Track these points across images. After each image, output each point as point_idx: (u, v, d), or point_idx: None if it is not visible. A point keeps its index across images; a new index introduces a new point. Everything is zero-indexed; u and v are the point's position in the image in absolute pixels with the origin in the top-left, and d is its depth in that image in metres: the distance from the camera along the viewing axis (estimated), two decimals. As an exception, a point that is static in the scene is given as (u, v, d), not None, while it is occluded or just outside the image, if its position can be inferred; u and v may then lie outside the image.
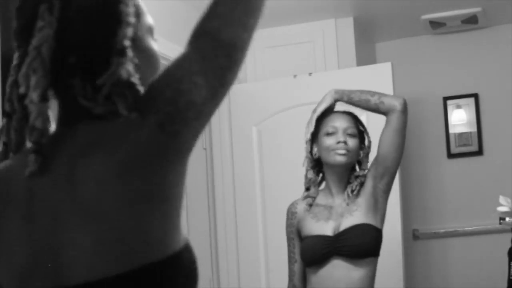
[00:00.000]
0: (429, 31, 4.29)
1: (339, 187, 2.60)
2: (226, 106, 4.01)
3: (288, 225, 2.64)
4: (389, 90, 3.75)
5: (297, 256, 2.60)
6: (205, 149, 4.13)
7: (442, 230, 4.31)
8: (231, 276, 3.91)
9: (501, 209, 2.80)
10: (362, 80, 3.80)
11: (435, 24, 4.17)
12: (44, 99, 1.04)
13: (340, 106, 2.72)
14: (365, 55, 4.24)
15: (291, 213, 2.64)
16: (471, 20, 4.11)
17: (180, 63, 1.03)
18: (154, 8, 3.63)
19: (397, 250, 3.59)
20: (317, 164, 2.64)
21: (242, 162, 3.94)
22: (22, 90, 1.03)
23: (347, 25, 4.04)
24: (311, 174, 2.63)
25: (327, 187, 2.63)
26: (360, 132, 2.64)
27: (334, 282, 2.46)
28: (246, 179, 3.91)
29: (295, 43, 4.08)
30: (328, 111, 2.64)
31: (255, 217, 3.87)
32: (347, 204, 2.56)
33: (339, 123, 2.57)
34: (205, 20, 1.03)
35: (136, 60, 1.06)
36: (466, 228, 4.25)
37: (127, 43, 1.04)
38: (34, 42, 1.03)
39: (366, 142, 2.66)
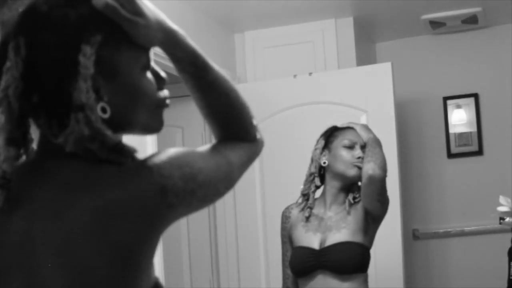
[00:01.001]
0: (429, 31, 4.29)
1: (335, 199, 2.62)
2: (226, 106, 4.01)
3: (282, 229, 2.69)
4: (389, 90, 3.75)
5: (287, 261, 2.65)
6: (205, 149, 4.14)
7: (442, 230, 4.31)
8: (231, 276, 3.91)
9: (501, 209, 2.80)
10: (362, 80, 3.81)
11: (435, 24, 4.17)
12: (10, 143, 1.00)
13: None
14: (365, 55, 4.24)
15: (285, 217, 2.69)
16: (471, 20, 4.11)
17: (204, 158, 1.09)
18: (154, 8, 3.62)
19: (397, 250, 3.59)
20: (320, 171, 2.66)
21: (242, 162, 3.93)
22: None
23: (347, 25, 4.04)
24: (318, 182, 2.65)
25: (323, 197, 2.66)
26: None
27: None
28: (246, 179, 3.87)
29: (295, 43, 4.08)
30: (340, 127, 2.70)
31: (255, 217, 3.87)
32: (338, 216, 2.58)
33: (356, 138, 2.62)
34: (229, 150, 1.14)
35: (105, 105, 1.00)
36: (466, 228, 4.25)
37: (86, 98, 0.97)
38: (2, 83, 1.00)
39: None
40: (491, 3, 3.91)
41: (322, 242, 2.56)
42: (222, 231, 3.97)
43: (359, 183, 2.59)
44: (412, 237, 4.33)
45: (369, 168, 2.50)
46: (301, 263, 2.54)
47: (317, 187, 2.67)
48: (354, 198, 2.61)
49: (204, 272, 4.05)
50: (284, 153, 3.77)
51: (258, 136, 1.20)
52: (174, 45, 1.16)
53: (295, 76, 3.91)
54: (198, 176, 1.03)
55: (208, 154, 1.10)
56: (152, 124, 1.09)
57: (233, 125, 1.15)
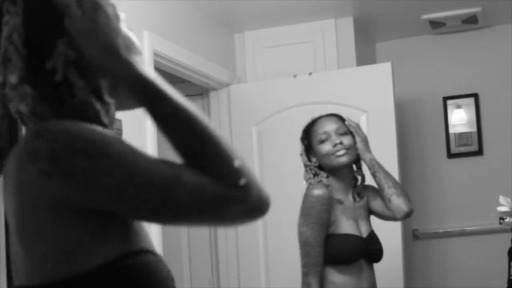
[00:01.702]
0: (429, 31, 4.29)
1: (344, 188, 2.62)
2: (226, 106, 4.02)
3: (325, 211, 2.47)
4: (389, 90, 3.75)
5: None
6: (205, 149, 4.14)
7: (442, 230, 4.31)
8: (231, 276, 3.91)
9: (501, 209, 2.80)
10: (362, 80, 3.81)
11: (435, 24, 4.17)
12: (23, 81, 1.04)
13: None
14: (365, 55, 4.24)
15: (328, 198, 2.50)
16: (471, 20, 4.11)
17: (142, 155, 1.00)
18: (154, 8, 3.64)
19: (397, 250, 3.59)
20: (320, 169, 2.65)
21: (242, 162, 3.93)
22: (0, 79, 1.05)
23: (347, 25, 4.04)
24: (324, 175, 2.60)
25: (336, 185, 2.63)
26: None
27: (361, 281, 2.51)
28: (246, 179, 3.90)
29: (295, 43, 4.08)
30: (315, 119, 2.66)
31: (255, 217, 3.87)
32: (356, 206, 2.60)
33: (329, 127, 2.59)
34: (188, 169, 0.99)
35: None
36: (466, 228, 4.25)
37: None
38: (4, 33, 1.05)
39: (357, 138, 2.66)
40: (491, 3, 3.91)
41: (359, 230, 2.56)
42: (222, 231, 3.97)
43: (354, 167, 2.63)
44: (412, 237, 4.33)
45: (402, 204, 2.54)
46: (353, 251, 2.50)
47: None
48: (358, 193, 2.62)
49: (204, 272, 4.05)
50: (284, 153, 3.77)
51: (243, 182, 0.99)
52: (108, 59, 1.01)
53: (295, 76, 3.91)
54: (108, 161, 0.96)
55: (157, 158, 1.00)
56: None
57: (204, 164, 0.99)
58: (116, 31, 1.01)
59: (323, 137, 2.57)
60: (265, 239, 3.83)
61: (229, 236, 3.94)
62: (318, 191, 2.50)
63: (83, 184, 0.96)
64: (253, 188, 1.00)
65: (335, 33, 4.04)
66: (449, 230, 4.30)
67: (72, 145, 0.96)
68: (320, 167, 2.63)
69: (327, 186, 2.54)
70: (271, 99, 3.91)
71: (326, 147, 2.56)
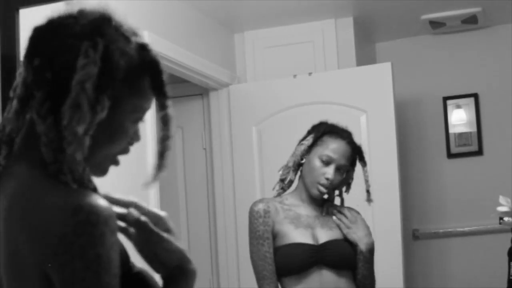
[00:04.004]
0: (429, 31, 4.29)
1: (310, 200, 2.55)
2: (226, 106, 4.02)
3: (262, 223, 2.47)
4: (389, 90, 3.75)
5: (273, 257, 2.47)
6: (205, 149, 4.13)
7: (442, 230, 4.31)
8: (231, 276, 3.91)
9: (501, 209, 2.80)
10: (362, 80, 3.81)
11: (435, 24, 4.17)
12: (86, 133, 1.06)
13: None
14: (365, 55, 4.24)
15: (264, 211, 2.49)
16: (471, 20, 4.11)
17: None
18: (154, 8, 3.64)
19: (397, 250, 3.59)
20: (297, 167, 2.58)
21: (242, 162, 3.94)
22: (65, 121, 1.05)
23: (347, 25, 4.04)
24: (292, 176, 2.55)
25: (298, 192, 2.57)
26: (352, 163, 2.55)
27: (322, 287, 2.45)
28: (246, 179, 3.91)
29: (295, 43, 4.08)
30: (335, 130, 2.53)
31: (255, 217, 3.87)
32: (318, 216, 2.54)
33: (337, 155, 2.47)
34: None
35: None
36: (466, 228, 4.25)
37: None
38: (78, 77, 1.05)
39: (350, 180, 2.57)
40: (491, 3, 3.91)
41: (314, 238, 2.49)
42: (222, 231, 3.97)
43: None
44: (412, 237, 4.32)
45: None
46: (302, 259, 2.43)
47: (291, 181, 2.58)
48: (327, 209, 2.56)
49: (204, 272, 4.05)
50: (284, 153, 3.76)
51: None
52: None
53: (295, 76, 3.91)
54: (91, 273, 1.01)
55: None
56: (100, 170, 1.15)
57: None
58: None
59: (325, 158, 2.47)
60: (265, 239, 3.83)
61: (229, 236, 3.94)
62: (254, 207, 2.51)
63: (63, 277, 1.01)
64: None
65: (335, 33, 4.04)
66: (449, 230, 4.30)
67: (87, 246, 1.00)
68: (301, 164, 2.57)
69: (267, 201, 2.53)
70: (271, 99, 3.91)
71: (319, 171, 2.48)
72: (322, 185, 2.47)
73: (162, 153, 1.16)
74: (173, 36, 3.42)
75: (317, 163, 2.48)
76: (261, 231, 2.47)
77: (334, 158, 2.46)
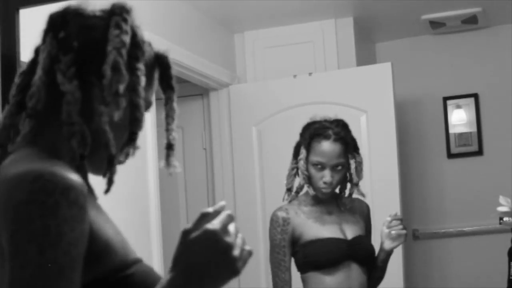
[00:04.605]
0: (429, 31, 4.29)
1: (328, 203, 2.60)
2: (226, 106, 4.02)
3: (280, 232, 2.54)
4: (389, 90, 3.75)
5: (288, 264, 2.56)
6: (205, 149, 4.13)
7: (442, 230, 4.31)
8: (231, 276, 3.91)
9: (501, 209, 2.80)
10: (362, 80, 3.81)
11: (435, 24, 4.17)
12: (125, 95, 1.11)
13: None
14: (365, 55, 4.24)
15: (282, 220, 2.54)
16: (471, 20, 4.11)
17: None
18: (154, 8, 3.63)
19: (397, 250, 3.58)
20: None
21: (242, 162, 3.94)
22: (105, 81, 1.07)
23: (347, 25, 4.04)
24: (300, 181, 2.58)
25: (316, 207, 2.60)
26: (348, 149, 2.53)
27: (351, 282, 2.49)
28: (246, 179, 3.91)
29: (295, 43, 4.08)
30: (319, 131, 2.53)
31: (255, 217, 3.87)
32: (344, 212, 2.58)
33: (327, 159, 2.49)
34: None
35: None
36: (466, 228, 4.25)
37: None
38: (113, 44, 1.10)
39: (355, 162, 2.56)
40: (491, 3, 3.91)
41: (343, 233, 2.54)
42: (222, 231, 3.97)
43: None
44: (412, 237, 4.32)
45: None
46: (335, 253, 2.48)
47: (300, 186, 2.61)
48: (344, 204, 2.59)
49: (204, 272, 4.04)
50: (284, 153, 3.76)
51: None
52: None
53: (295, 76, 3.91)
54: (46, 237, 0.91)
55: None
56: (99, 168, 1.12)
57: None
58: None
59: (317, 163, 2.50)
60: (265, 239, 3.83)
61: (229, 236, 3.94)
62: (273, 216, 2.58)
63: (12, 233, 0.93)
64: None
65: (335, 33, 4.04)
66: (449, 230, 4.30)
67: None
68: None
69: (286, 208, 2.58)
70: (271, 99, 3.91)
71: (317, 176, 2.51)
72: (324, 188, 2.50)
73: (170, 145, 1.18)
74: (173, 36, 3.42)
75: (312, 170, 2.51)
76: (278, 240, 2.56)
77: (324, 162, 2.49)
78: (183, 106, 4.10)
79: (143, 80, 1.11)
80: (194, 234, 1.02)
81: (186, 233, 1.02)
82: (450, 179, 4.33)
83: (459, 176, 4.31)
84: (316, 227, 2.53)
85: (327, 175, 2.48)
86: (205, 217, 1.03)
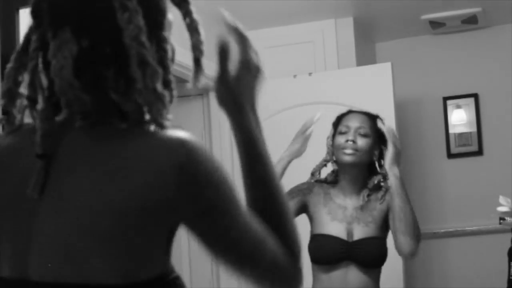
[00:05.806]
0: (429, 31, 4.29)
1: (353, 188, 2.59)
2: (226, 106, 4.02)
3: (298, 188, 2.62)
4: (389, 90, 3.75)
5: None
6: (205, 149, 4.14)
7: (442, 230, 4.31)
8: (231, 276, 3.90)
9: (501, 209, 2.80)
10: (362, 80, 3.81)
11: (435, 24, 4.17)
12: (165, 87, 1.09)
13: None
14: (365, 55, 4.24)
15: (307, 184, 2.63)
16: (471, 20, 4.11)
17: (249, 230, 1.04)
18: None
19: (397, 250, 3.59)
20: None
21: (242, 162, 3.94)
22: (138, 85, 1.00)
23: (347, 25, 4.04)
24: (334, 166, 2.62)
25: (341, 186, 2.61)
26: (377, 131, 2.58)
27: (347, 283, 2.50)
28: (246, 179, 3.90)
29: (295, 43, 4.08)
30: (350, 111, 2.68)
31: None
32: (361, 208, 2.56)
33: (352, 123, 2.58)
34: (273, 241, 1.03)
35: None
36: (466, 228, 4.25)
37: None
38: (129, 32, 0.97)
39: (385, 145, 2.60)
40: (491, 3, 3.91)
41: (349, 233, 2.54)
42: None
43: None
44: (412, 237, 4.33)
45: (404, 245, 2.53)
46: (332, 253, 2.50)
47: (335, 181, 2.64)
48: (369, 194, 2.59)
49: (204, 272, 4.05)
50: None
51: (299, 265, 1.04)
52: (237, 118, 1.18)
53: (295, 76, 3.91)
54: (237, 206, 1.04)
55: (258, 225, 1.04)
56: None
57: (271, 222, 1.06)
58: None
59: (343, 130, 2.57)
60: (265, 239, 3.83)
61: (229, 236, 3.94)
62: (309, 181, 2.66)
63: (215, 216, 1.01)
64: (301, 268, 1.05)
65: (335, 33, 4.04)
66: (449, 230, 4.30)
67: (225, 180, 1.04)
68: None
69: (313, 184, 2.64)
70: (271, 99, 3.91)
71: (340, 140, 2.56)
72: (345, 147, 2.53)
73: (198, 60, 1.15)
74: (173, 36, 3.42)
75: (337, 137, 2.58)
76: (295, 191, 2.60)
77: (351, 125, 2.57)
78: (183, 106, 4.12)
79: (170, 50, 1.08)
80: (232, 76, 1.16)
81: (221, 81, 1.16)
82: (450, 179, 4.33)
83: (459, 176, 4.31)
84: (325, 221, 2.55)
85: (351, 134, 2.53)
86: (224, 55, 1.13)
